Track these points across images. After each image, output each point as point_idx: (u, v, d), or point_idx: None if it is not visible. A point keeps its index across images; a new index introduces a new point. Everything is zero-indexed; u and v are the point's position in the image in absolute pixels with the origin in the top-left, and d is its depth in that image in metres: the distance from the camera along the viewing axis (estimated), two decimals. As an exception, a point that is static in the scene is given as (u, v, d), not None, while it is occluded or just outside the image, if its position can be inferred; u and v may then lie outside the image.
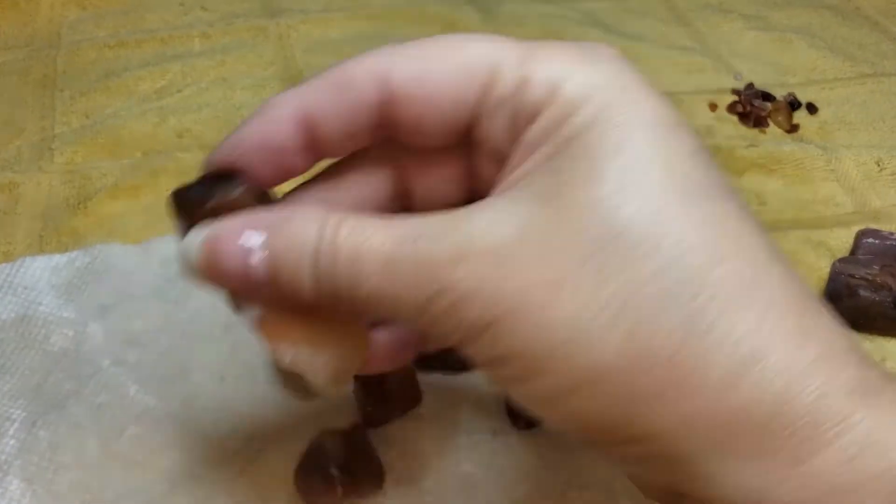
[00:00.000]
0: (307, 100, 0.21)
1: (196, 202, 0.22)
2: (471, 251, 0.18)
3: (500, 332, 0.18)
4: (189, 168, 0.45)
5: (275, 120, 0.21)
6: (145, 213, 0.43)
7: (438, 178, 0.23)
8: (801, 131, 0.52)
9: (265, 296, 0.20)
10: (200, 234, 0.21)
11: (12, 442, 0.33)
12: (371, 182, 0.23)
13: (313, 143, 0.21)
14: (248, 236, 0.20)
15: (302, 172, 0.23)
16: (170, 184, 0.44)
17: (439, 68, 0.20)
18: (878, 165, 0.49)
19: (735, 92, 0.54)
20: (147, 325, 0.37)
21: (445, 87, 0.20)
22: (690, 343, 0.17)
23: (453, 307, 0.18)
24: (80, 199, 0.43)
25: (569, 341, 0.18)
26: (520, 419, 0.34)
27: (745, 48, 0.59)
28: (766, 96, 0.53)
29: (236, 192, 0.22)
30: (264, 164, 0.22)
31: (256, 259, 0.20)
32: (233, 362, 0.36)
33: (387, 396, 0.34)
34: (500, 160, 0.20)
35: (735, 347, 0.17)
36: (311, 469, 0.31)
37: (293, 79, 0.53)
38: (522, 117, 0.19)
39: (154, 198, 0.44)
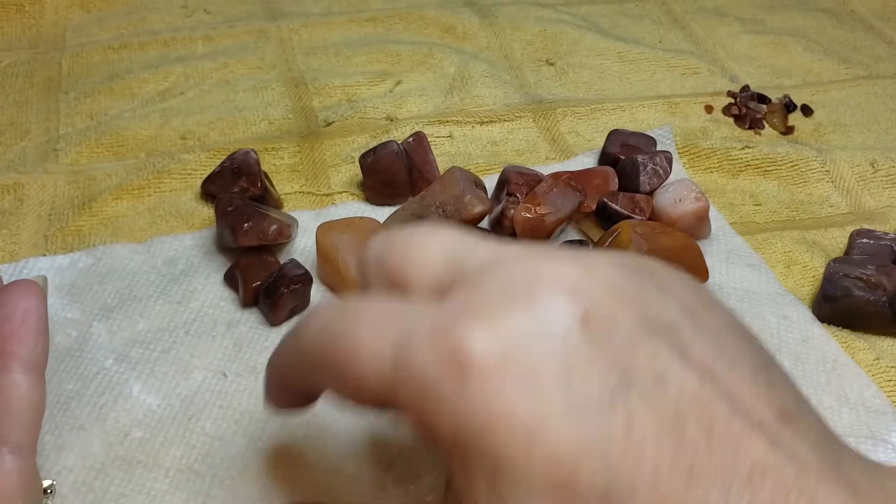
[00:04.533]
0: None
1: None
2: None
3: None
4: (192, 169, 0.46)
5: None
6: (149, 214, 0.43)
7: None
8: (796, 133, 0.53)
9: None
10: None
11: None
12: None
13: None
14: None
15: None
16: (173, 185, 0.45)
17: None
18: (873, 167, 0.50)
19: (731, 94, 0.55)
20: (150, 325, 0.38)
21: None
22: None
23: None
24: (84, 199, 0.44)
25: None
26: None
27: (740, 51, 0.59)
28: (762, 98, 0.54)
29: None
30: None
31: None
32: (235, 360, 0.37)
33: None
34: None
35: None
36: None
37: (295, 81, 0.53)
38: None
39: (158, 198, 0.44)
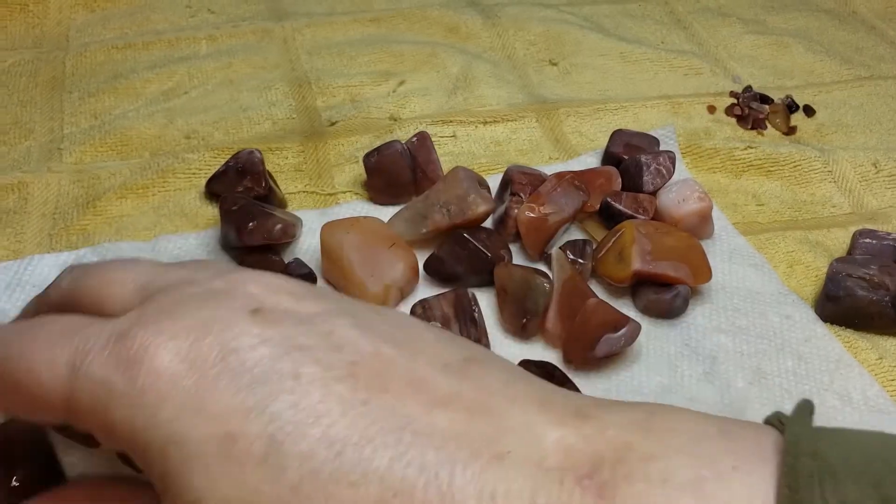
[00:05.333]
0: None
1: None
2: None
3: None
4: (197, 169, 0.46)
5: None
6: (154, 213, 0.44)
7: None
8: (798, 133, 0.53)
9: None
10: None
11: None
12: None
13: None
14: None
15: None
16: (178, 184, 0.45)
17: None
18: (875, 167, 0.50)
19: (733, 94, 0.55)
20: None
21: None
22: None
23: None
24: (88, 198, 0.44)
25: None
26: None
27: (743, 51, 0.60)
28: (764, 99, 0.54)
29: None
30: None
31: None
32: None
33: None
34: None
35: None
36: None
37: (298, 81, 0.53)
38: None
39: (162, 198, 0.44)
